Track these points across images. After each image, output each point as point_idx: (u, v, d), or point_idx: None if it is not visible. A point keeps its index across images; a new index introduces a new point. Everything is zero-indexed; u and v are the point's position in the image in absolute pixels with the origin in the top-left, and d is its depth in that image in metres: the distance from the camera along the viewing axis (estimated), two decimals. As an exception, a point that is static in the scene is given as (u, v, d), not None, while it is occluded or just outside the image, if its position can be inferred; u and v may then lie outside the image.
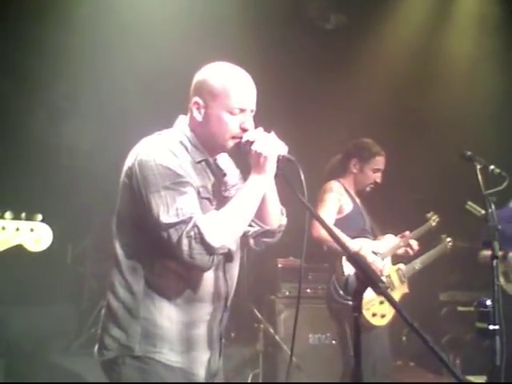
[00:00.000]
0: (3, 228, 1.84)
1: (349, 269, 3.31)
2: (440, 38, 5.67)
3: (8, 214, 1.83)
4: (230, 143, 1.98)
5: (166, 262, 1.91)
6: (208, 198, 1.97)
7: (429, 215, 3.81)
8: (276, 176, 1.93)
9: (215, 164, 2.08)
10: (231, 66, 2.04)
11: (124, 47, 5.16)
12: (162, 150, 1.92)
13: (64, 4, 5.08)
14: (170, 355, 1.92)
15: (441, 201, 4.72)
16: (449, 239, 3.86)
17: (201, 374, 1.98)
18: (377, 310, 3.39)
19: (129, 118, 5.50)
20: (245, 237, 2.09)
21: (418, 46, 5.60)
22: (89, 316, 5.14)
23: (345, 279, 1.32)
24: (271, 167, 1.91)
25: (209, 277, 1.96)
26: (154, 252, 1.91)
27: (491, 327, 2.25)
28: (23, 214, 1.86)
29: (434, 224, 3.81)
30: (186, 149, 1.99)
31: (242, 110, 1.96)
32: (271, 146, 1.91)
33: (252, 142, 1.92)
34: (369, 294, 3.28)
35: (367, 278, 1.40)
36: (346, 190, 3.62)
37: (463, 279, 5.99)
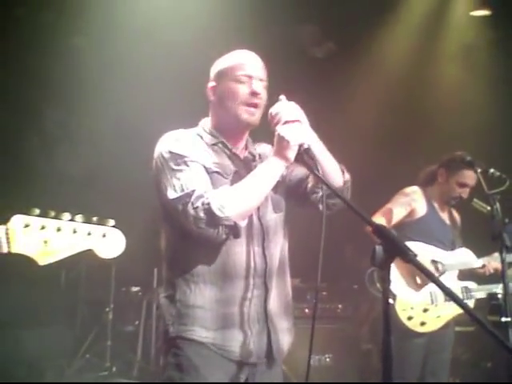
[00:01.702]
0: (74, 231, 1.66)
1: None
2: (429, 64, 5.81)
3: (79, 217, 1.68)
4: (243, 112, 2.01)
5: (193, 243, 1.94)
6: (219, 173, 1.99)
7: None
8: (295, 160, 1.93)
9: (247, 147, 2.13)
10: (239, 50, 2.15)
11: (116, 74, 5.21)
12: (167, 140, 2.04)
13: (56, 32, 5.14)
14: (201, 332, 1.94)
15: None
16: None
17: (235, 351, 1.95)
18: (415, 315, 3.35)
19: (123, 144, 5.53)
20: (314, 203, 2.08)
21: (408, 69, 5.71)
22: (82, 342, 5.06)
23: (372, 252, 1.32)
24: (291, 153, 1.91)
25: (242, 252, 1.97)
26: (183, 237, 1.95)
27: (503, 319, 2.26)
28: (95, 218, 1.71)
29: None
30: (201, 137, 2.08)
31: (249, 77, 2.03)
32: (296, 133, 1.91)
33: (277, 123, 1.93)
34: (410, 296, 3.37)
35: (394, 247, 1.40)
36: (427, 197, 3.58)
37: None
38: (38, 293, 5.06)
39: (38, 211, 1.59)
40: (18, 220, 1.57)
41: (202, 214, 1.84)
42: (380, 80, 5.68)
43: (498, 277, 3.42)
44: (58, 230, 1.61)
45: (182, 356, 1.94)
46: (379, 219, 3.40)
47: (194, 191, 1.87)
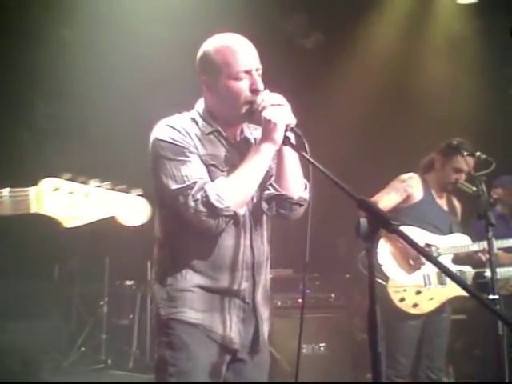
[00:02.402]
0: (101, 197, 1.63)
1: (381, 251, 3.44)
2: (417, 52, 5.84)
3: (107, 184, 1.64)
4: (244, 110, 2.00)
5: (188, 232, 1.97)
6: (214, 165, 2.01)
7: None
8: (283, 143, 1.95)
9: (242, 133, 2.12)
10: (225, 35, 2.06)
11: (107, 66, 5.21)
12: (163, 127, 2.02)
13: (47, 23, 5.14)
14: (190, 313, 1.98)
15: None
16: None
17: (219, 333, 2.00)
18: (407, 297, 3.38)
19: (113, 137, 5.54)
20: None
21: (395, 59, 5.74)
22: (77, 336, 5.08)
23: (356, 225, 1.34)
24: (279, 135, 1.92)
25: (232, 244, 2.01)
26: (178, 226, 1.99)
27: (491, 297, 2.30)
28: (122, 186, 1.67)
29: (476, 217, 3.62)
30: (197, 123, 2.05)
31: (247, 72, 1.97)
32: (281, 115, 1.93)
33: (263, 109, 1.94)
34: (401, 278, 3.40)
35: (378, 219, 1.43)
36: (425, 184, 3.61)
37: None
38: (32, 287, 5.08)
39: (68, 175, 1.62)
40: (48, 183, 1.61)
41: (201, 207, 1.87)
42: (368, 69, 5.72)
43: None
44: (86, 195, 1.62)
45: (172, 335, 1.98)
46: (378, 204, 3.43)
47: (195, 183, 1.90)
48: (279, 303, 4.94)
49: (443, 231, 3.58)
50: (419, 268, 3.43)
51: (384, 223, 1.42)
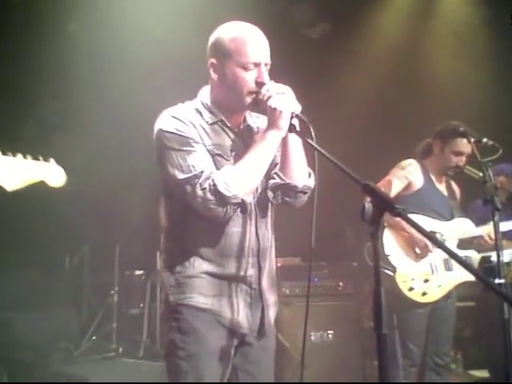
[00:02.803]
0: (27, 166, 1.93)
1: (387, 242, 3.43)
2: (423, 40, 5.83)
3: (29, 156, 1.95)
4: (248, 99, 2.03)
5: (194, 220, 2.01)
6: (220, 155, 2.03)
7: None
8: (289, 130, 1.98)
9: (244, 121, 2.15)
10: (242, 24, 2.08)
11: (113, 60, 5.24)
12: (167, 118, 2.05)
13: (52, 19, 5.16)
14: (199, 298, 2.02)
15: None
16: None
17: (228, 317, 2.04)
18: (416, 286, 3.37)
19: (122, 130, 5.58)
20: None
21: (401, 49, 5.73)
22: (88, 325, 5.15)
23: (361, 209, 1.36)
24: (285, 122, 1.96)
25: (237, 232, 2.05)
26: (184, 214, 2.02)
27: (497, 281, 2.31)
28: (40, 157, 2.00)
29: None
30: (201, 114, 2.08)
31: (255, 65, 2.00)
32: (286, 103, 1.96)
33: (268, 98, 1.97)
34: (409, 267, 3.39)
35: (383, 202, 1.46)
36: (424, 170, 3.60)
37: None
38: (43, 276, 5.15)
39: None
40: None
41: (209, 195, 1.91)
42: (374, 58, 5.72)
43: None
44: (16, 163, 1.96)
45: (181, 320, 2.02)
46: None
47: (202, 172, 1.93)
48: (287, 291, 4.98)
49: (445, 217, 3.56)
50: (426, 256, 3.43)
51: (389, 207, 1.45)
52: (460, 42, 5.66)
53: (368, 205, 1.47)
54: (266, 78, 2.02)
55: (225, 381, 2.06)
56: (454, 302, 3.64)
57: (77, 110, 5.75)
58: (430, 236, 1.56)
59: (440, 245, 1.45)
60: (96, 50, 5.24)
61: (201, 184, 1.91)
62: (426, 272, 3.44)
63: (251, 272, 2.07)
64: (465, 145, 3.39)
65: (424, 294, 3.40)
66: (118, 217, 5.53)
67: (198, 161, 1.96)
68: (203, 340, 2.01)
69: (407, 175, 3.53)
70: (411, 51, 5.74)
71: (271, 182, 2.11)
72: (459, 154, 3.48)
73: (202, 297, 2.02)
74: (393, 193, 3.47)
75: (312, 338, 4.85)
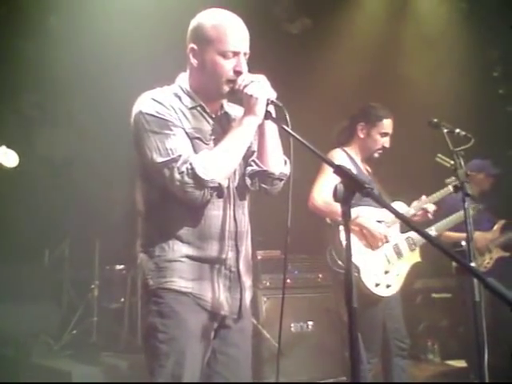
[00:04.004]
0: None
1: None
2: (401, 36, 5.91)
3: None
4: (226, 88, 2.07)
5: (173, 204, 2.03)
6: (199, 138, 2.07)
7: (449, 180, 3.52)
8: (265, 117, 2.03)
9: (221, 108, 2.19)
10: (224, 11, 2.11)
11: (96, 54, 5.22)
12: (147, 100, 2.06)
13: (32, 11, 5.14)
14: (180, 282, 2.04)
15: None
16: (473, 205, 3.67)
17: (208, 301, 2.07)
18: (380, 280, 3.35)
19: (102, 125, 5.57)
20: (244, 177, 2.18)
21: (381, 44, 5.81)
22: (69, 319, 5.14)
23: (333, 190, 1.40)
24: (261, 109, 2.00)
25: (217, 216, 2.08)
26: (162, 198, 2.04)
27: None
28: None
29: (452, 190, 3.47)
30: (180, 98, 2.10)
31: (235, 54, 2.04)
32: (262, 90, 2.01)
33: (245, 86, 2.01)
34: (370, 264, 3.37)
35: (354, 183, 1.51)
36: (351, 158, 3.52)
37: (436, 266, 6.13)
38: (22, 271, 5.13)
39: None
40: None
41: (187, 179, 1.93)
42: (353, 54, 5.78)
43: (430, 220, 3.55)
44: None
45: (162, 303, 2.04)
46: (322, 194, 3.31)
47: (180, 156, 1.95)
48: (268, 283, 5.04)
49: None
50: (379, 248, 3.38)
51: (359, 187, 1.50)
52: (439, 35, 5.75)
53: (339, 185, 1.53)
54: (244, 67, 2.06)
55: (204, 363, 2.09)
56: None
57: (57, 103, 5.73)
58: (399, 214, 1.61)
59: (408, 223, 1.50)
60: (76, 42, 5.21)
61: (179, 168, 1.94)
62: (384, 264, 3.40)
63: (230, 255, 2.11)
64: (390, 125, 3.48)
65: (388, 286, 3.38)
66: (99, 211, 5.53)
67: (177, 144, 1.98)
68: (184, 323, 2.03)
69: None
70: (390, 46, 5.82)
71: (249, 169, 2.16)
72: (385, 134, 3.50)
73: (182, 280, 2.04)
74: (330, 187, 3.32)
75: (292, 328, 4.92)
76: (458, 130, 2.97)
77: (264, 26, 5.57)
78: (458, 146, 2.93)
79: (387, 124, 3.51)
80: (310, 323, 4.98)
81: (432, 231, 3.64)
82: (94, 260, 5.44)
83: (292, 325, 4.92)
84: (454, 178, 3.46)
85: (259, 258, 5.21)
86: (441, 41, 5.81)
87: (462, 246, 2.30)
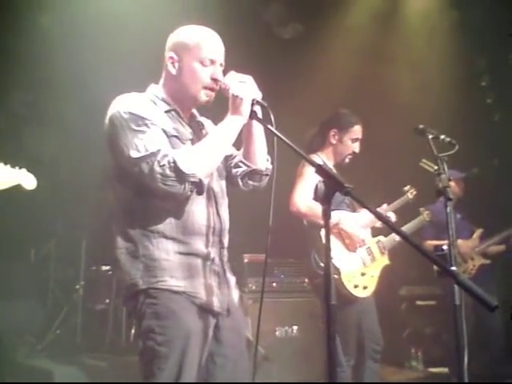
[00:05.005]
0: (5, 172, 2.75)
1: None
2: (391, 41, 5.96)
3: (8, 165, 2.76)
4: (203, 95, 2.14)
5: (153, 201, 2.03)
6: (177, 137, 2.09)
7: (406, 188, 3.81)
8: (250, 117, 2.07)
9: (193, 117, 2.25)
10: (202, 27, 2.22)
11: (87, 54, 5.22)
12: (125, 101, 2.09)
13: (25, 11, 5.13)
14: (172, 281, 2.03)
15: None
16: (427, 212, 3.85)
17: (203, 298, 2.07)
18: (358, 282, 3.42)
19: (92, 126, 5.55)
20: (234, 178, 2.26)
21: (371, 49, 5.85)
22: (53, 319, 5.11)
23: (314, 188, 1.42)
24: (246, 109, 2.05)
25: (200, 211, 2.10)
26: (141, 195, 2.04)
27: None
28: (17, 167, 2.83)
29: (411, 197, 3.81)
30: (154, 103, 2.14)
31: (212, 62, 2.12)
32: (247, 90, 2.05)
33: (230, 86, 2.07)
34: (350, 266, 3.44)
35: (334, 182, 1.53)
36: (324, 163, 3.47)
37: (421, 274, 6.17)
38: (8, 270, 5.10)
39: None
40: None
41: (168, 172, 1.93)
42: (343, 58, 5.82)
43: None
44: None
45: (157, 304, 2.01)
46: (304, 199, 3.28)
47: (159, 151, 1.95)
48: (254, 287, 5.05)
49: (350, 207, 3.57)
50: (356, 248, 3.48)
51: (339, 186, 1.52)
52: (429, 42, 5.80)
53: (320, 184, 1.55)
54: (220, 75, 2.13)
55: (203, 362, 2.07)
56: None
57: (48, 103, 5.71)
58: (379, 214, 1.63)
59: (388, 223, 1.52)
60: (69, 42, 5.21)
61: (159, 161, 1.94)
62: (360, 266, 3.50)
63: (215, 251, 2.13)
64: (360, 131, 3.61)
65: (365, 287, 3.46)
66: (85, 211, 5.52)
67: (154, 140, 1.99)
68: (183, 323, 2.01)
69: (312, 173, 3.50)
70: (377, 53, 5.87)
71: (239, 170, 2.23)
72: (356, 140, 3.63)
73: (174, 280, 2.03)
74: (311, 191, 3.30)
75: (277, 333, 4.92)
76: (442, 137, 3.00)
77: (256, 30, 5.63)
78: (442, 152, 2.96)
79: (358, 130, 3.64)
80: (295, 328, 4.98)
81: (396, 236, 3.68)
82: (79, 260, 5.42)
83: (277, 329, 4.92)
84: (409, 186, 3.83)
85: (246, 261, 5.22)
86: (429, 49, 5.86)
87: (443, 250, 2.32)
